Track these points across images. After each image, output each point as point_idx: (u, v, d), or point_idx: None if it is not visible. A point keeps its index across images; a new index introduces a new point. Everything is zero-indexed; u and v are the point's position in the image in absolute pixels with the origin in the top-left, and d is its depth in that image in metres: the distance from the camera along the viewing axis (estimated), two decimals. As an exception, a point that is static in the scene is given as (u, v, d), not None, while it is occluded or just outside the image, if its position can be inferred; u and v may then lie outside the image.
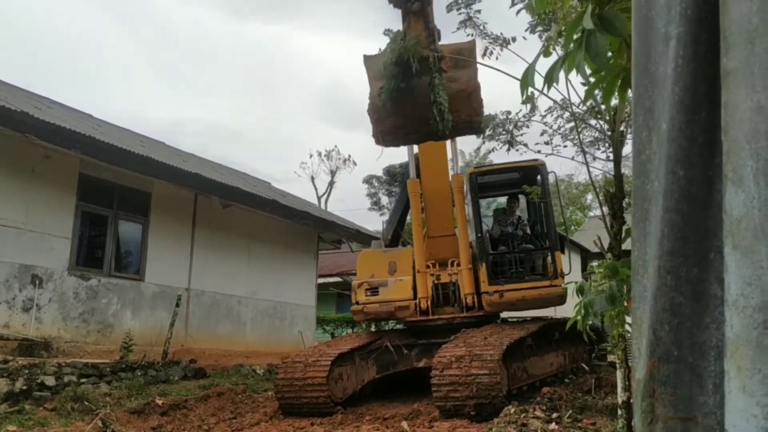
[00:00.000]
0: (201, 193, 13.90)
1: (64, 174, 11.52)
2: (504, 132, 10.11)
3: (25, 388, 8.83)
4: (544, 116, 10.13)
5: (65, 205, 11.51)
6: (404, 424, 7.37)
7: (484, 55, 10.29)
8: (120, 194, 12.59)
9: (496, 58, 10.18)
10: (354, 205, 72.57)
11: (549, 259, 9.57)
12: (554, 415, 6.98)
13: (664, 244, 1.06)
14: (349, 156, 47.86)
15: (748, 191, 0.93)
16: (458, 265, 9.73)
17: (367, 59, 6.66)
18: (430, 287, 9.86)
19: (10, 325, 10.36)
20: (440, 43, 6.88)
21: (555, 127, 10.06)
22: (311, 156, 60.84)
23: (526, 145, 9.69)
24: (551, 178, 10.33)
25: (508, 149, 9.86)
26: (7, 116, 9.84)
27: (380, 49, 6.57)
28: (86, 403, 8.72)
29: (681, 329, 1.04)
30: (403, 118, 6.40)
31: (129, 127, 18.03)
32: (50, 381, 9.14)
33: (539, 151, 9.40)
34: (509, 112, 9.98)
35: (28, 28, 74.08)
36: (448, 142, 9.75)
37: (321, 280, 20.19)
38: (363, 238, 18.63)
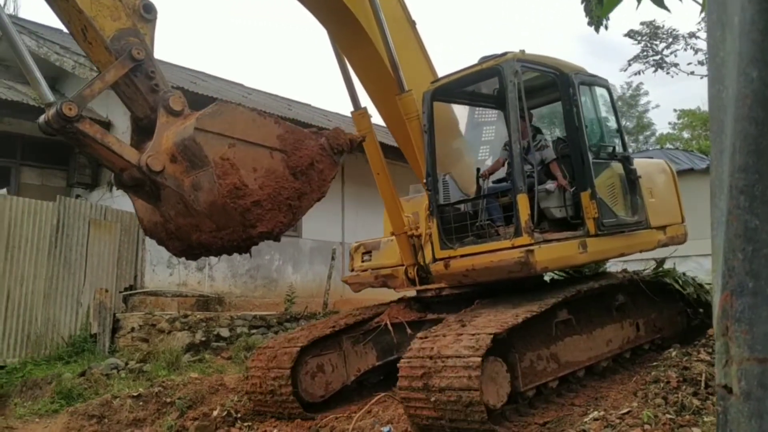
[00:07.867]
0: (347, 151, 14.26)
1: (221, 142, 12.33)
2: (653, 53, 9.29)
3: (203, 339, 9.79)
4: (697, 33, 9.18)
5: (224, 171, 12.36)
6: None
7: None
8: (272, 157, 13.26)
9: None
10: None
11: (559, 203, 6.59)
12: (722, 357, 6.49)
13: (735, 159, 0.90)
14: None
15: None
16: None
17: None
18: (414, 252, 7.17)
19: (188, 283, 11.47)
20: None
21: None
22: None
23: (677, 65, 8.83)
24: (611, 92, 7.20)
25: (655, 70, 9.05)
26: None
27: None
28: (256, 352, 9.50)
29: (757, 257, 0.88)
30: (179, 241, 4.26)
31: (278, 92, 18.86)
32: (225, 332, 10.05)
33: (692, 72, 8.55)
34: (652, 24, 9.00)
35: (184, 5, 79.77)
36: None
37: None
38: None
